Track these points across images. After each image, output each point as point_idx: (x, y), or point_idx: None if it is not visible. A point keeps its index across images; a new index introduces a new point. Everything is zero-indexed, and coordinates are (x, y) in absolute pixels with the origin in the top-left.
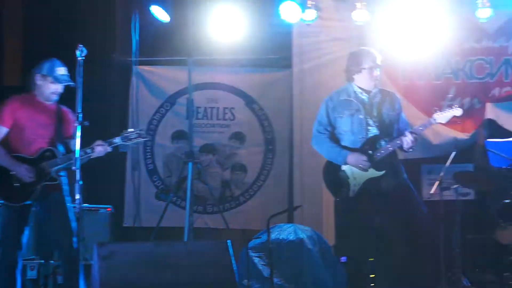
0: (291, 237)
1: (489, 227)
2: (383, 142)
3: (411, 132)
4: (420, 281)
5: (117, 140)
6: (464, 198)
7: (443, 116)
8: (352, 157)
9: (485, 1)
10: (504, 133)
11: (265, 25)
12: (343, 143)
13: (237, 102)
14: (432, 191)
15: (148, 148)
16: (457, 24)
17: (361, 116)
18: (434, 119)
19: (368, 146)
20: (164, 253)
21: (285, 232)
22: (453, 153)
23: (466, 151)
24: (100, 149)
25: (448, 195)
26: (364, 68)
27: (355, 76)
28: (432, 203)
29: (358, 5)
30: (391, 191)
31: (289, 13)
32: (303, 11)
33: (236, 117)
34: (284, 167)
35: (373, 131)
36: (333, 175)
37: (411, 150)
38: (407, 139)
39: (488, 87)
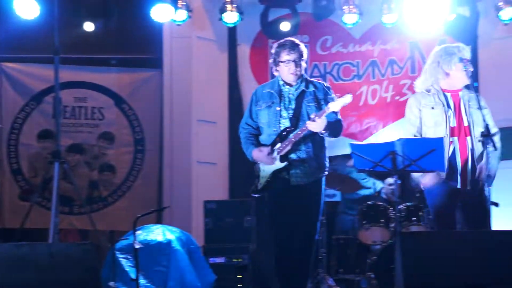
0: (159, 238)
1: (353, 228)
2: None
3: (310, 120)
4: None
5: None
6: (330, 200)
7: (335, 104)
8: (255, 153)
9: (352, 7)
10: None
11: (136, 25)
12: (262, 137)
13: (106, 102)
14: None
15: (12, 147)
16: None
17: (277, 108)
18: (328, 108)
19: (279, 139)
20: (25, 255)
21: (153, 233)
22: None
23: None
24: None
25: None
26: (282, 62)
27: (278, 67)
28: None
29: (228, 7)
30: (302, 187)
31: (160, 13)
32: (175, 12)
33: (105, 117)
34: (154, 168)
35: (286, 123)
36: (252, 168)
37: (324, 132)
38: (310, 126)
39: (355, 86)
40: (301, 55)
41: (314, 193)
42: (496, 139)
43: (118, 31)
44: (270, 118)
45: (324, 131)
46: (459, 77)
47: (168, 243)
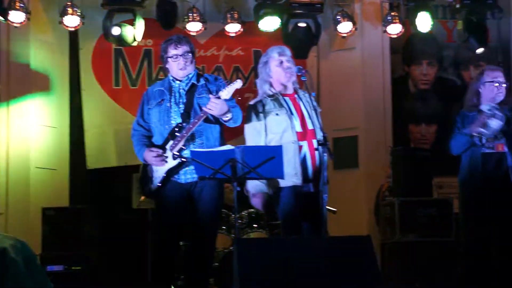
0: None
1: None
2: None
3: (213, 98)
4: None
5: None
6: None
7: (226, 92)
8: (146, 154)
9: (196, 16)
10: None
11: None
12: (155, 138)
13: None
14: (142, 198)
15: None
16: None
17: (168, 104)
18: (220, 97)
19: (171, 137)
20: None
21: None
22: None
23: None
24: None
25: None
26: (170, 57)
27: (165, 65)
28: (142, 211)
29: (69, 10)
30: (199, 187)
31: None
32: (4, 18)
33: None
34: None
35: (177, 120)
36: (143, 171)
37: (228, 119)
38: (211, 105)
39: None
40: (189, 49)
41: (208, 190)
42: None
43: None
44: (161, 115)
45: (227, 117)
46: (281, 82)
47: (2, 251)
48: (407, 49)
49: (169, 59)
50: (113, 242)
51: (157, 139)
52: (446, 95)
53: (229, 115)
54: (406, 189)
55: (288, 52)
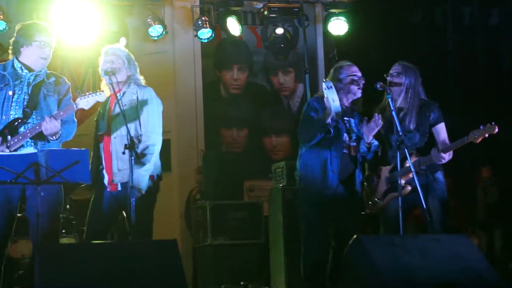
0: None
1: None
2: (27, 126)
3: (51, 117)
4: None
5: None
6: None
7: (85, 101)
8: None
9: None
10: None
11: None
12: None
13: None
14: None
15: None
16: None
17: (10, 93)
18: (76, 104)
19: (8, 130)
20: None
21: None
22: None
23: None
24: None
25: None
26: (36, 41)
27: (22, 49)
28: None
29: None
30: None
31: None
32: None
33: None
34: None
35: (18, 112)
36: None
37: (53, 138)
38: (47, 125)
39: None
40: (53, 42)
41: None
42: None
43: None
44: (0, 102)
45: (54, 136)
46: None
47: None
48: (218, 54)
49: (33, 44)
50: None
51: None
52: (257, 99)
53: (57, 135)
54: (217, 193)
55: (113, 50)
